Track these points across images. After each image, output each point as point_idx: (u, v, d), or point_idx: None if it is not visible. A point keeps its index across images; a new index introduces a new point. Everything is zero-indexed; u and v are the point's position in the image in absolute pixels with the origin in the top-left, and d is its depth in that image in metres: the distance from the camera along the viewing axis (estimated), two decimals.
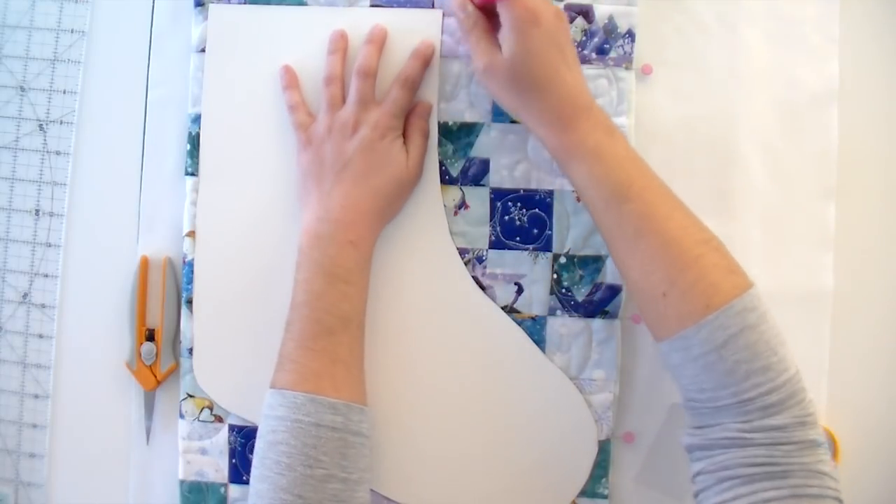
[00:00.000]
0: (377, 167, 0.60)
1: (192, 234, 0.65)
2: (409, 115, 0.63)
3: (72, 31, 0.68)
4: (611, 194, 0.54)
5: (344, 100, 0.62)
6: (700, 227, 0.54)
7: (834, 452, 0.63)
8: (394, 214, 0.63)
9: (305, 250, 0.59)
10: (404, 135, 0.62)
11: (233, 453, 0.66)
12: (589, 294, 0.63)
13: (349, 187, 0.60)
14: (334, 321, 0.57)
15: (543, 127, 0.57)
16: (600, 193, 0.55)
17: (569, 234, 0.63)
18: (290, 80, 0.64)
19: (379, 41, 0.62)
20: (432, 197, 0.64)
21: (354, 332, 0.59)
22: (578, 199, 0.63)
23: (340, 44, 0.63)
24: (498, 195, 0.64)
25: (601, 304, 0.63)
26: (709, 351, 0.50)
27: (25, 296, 0.68)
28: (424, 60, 0.62)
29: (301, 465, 0.52)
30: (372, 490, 0.64)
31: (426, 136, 0.63)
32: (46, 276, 0.68)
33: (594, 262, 0.63)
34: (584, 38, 0.63)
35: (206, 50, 0.65)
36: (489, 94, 0.61)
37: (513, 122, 0.64)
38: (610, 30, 0.63)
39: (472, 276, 0.64)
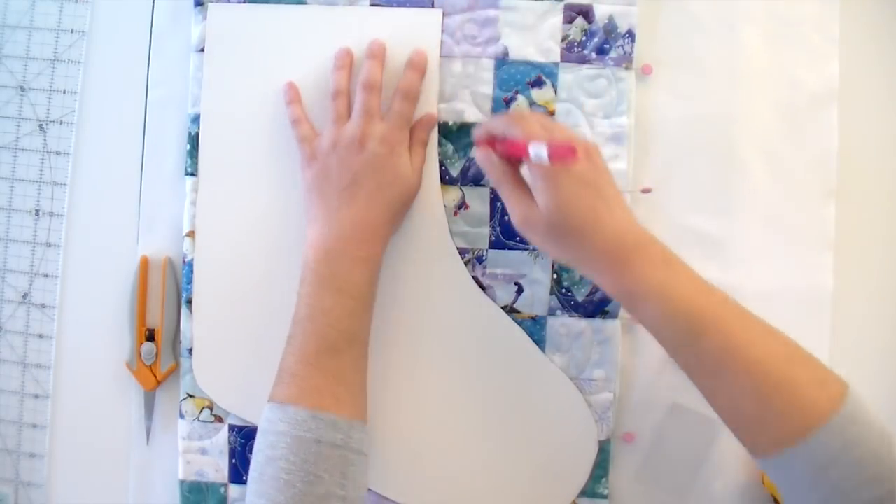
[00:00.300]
0: (387, 182, 0.60)
1: (192, 234, 0.65)
2: (413, 127, 0.63)
3: (72, 31, 0.68)
4: (684, 332, 0.51)
5: (349, 114, 0.62)
6: (782, 342, 0.51)
7: None
8: (399, 226, 0.63)
9: (312, 265, 0.58)
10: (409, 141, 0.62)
11: (233, 453, 0.66)
12: (589, 294, 0.63)
13: (359, 203, 0.59)
14: (339, 337, 0.57)
15: (597, 274, 0.54)
16: (673, 333, 0.52)
17: None
18: (293, 95, 0.64)
19: (381, 55, 0.62)
20: (432, 197, 0.64)
21: (359, 349, 0.58)
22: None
23: (346, 60, 0.63)
24: (498, 195, 0.64)
25: (601, 304, 0.63)
26: (812, 472, 0.47)
27: (25, 296, 0.68)
28: (420, 70, 0.62)
29: (301, 482, 0.51)
30: (372, 490, 0.64)
31: (425, 146, 0.63)
32: (46, 276, 0.68)
33: None
34: (584, 38, 0.63)
35: (206, 49, 0.65)
36: (532, 244, 0.57)
37: None
38: (610, 30, 0.63)
39: (472, 276, 0.64)
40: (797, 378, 0.49)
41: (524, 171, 0.55)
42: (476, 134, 0.59)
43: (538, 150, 0.49)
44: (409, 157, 0.61)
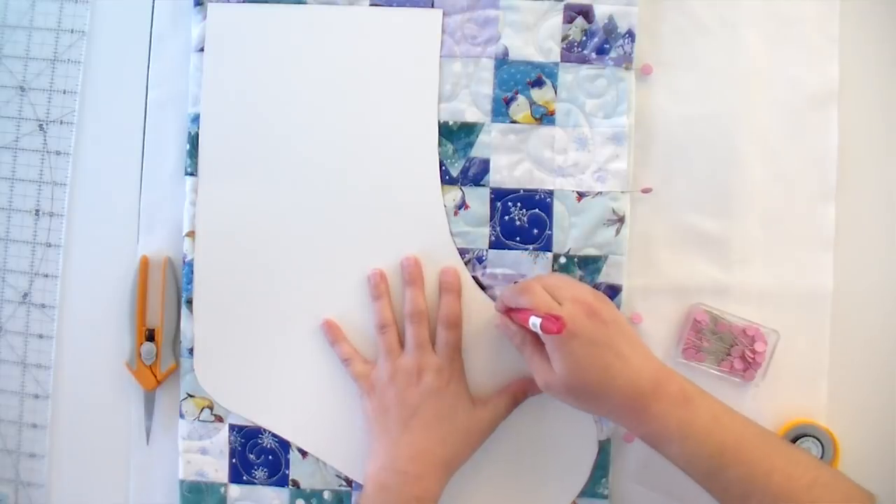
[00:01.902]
0: (445, 415, 0.60)
1: (192, 234, 0.65)
2: (511, 382, 0.63)
3: (72, 31, 0.68)
4: (708, 467, 0.53)
5: (401, 345, 0.62)
6: (805, 466, 0.53)
7: (834, 452, 0.63)
8: (461, 464, 0.61)
9: (370, 498, 0.58)
10: (499, 392, 0.63)
11: (233, 453, 0.66)
12: None
13: (417, 437, 0.59)
14: None
15: (621, 421, 0.56)
16: (698, 468, 0.54)
17: (569, 234, 0.63)
18: (336, 334, 0.64)
19: (419, 281, 0.62)
20: (432, 197, 0.64)
21: None
22: None
23: (383, 287, 0.63)
24: (498, 195, 0.64)
25: None
26: None
27: (25, 296, 0.68)
28: (456, 292, 0.62)
29: None
30: None
31: (513, 398, 0.63)
32: (46, 276, 0.68)
33: (594, 262, 0.63)
34: (584, 38, 0.63)
35: (206, 49, 0.65)
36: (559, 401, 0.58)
37: (513, 122, 0.64)
38: (610, 30, 0.63)
39: (472, 276, 0.64)
40: (821, 502, 0.51)
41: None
42: (496, 304, 0.61)
43: (534, 323, 0.54)
44: (467, 390, 0.62)
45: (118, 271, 0.67)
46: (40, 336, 0.68)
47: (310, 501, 0.65)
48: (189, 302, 0.65)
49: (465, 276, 0.64)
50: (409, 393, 0.60)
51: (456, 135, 0.64)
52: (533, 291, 0.56)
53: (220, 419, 0.65)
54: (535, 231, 0.64)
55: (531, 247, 0.64)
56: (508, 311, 0.59)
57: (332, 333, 0.64)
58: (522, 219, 0.64)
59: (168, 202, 0.66)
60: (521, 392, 0.63)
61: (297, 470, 0.65)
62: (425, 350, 0.61)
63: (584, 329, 0.54)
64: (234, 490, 0.66)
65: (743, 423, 0.55)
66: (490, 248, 0.64)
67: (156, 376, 0.66)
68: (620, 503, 0.65)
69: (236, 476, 0.66)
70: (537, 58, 0.63)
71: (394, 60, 0.64)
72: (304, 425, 0.65)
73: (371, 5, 0.64)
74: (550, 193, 0.64)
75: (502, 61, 0.64)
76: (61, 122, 0.68)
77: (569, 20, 0.63)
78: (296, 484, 0.65)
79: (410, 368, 0.61)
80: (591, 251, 0.63)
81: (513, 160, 0.64)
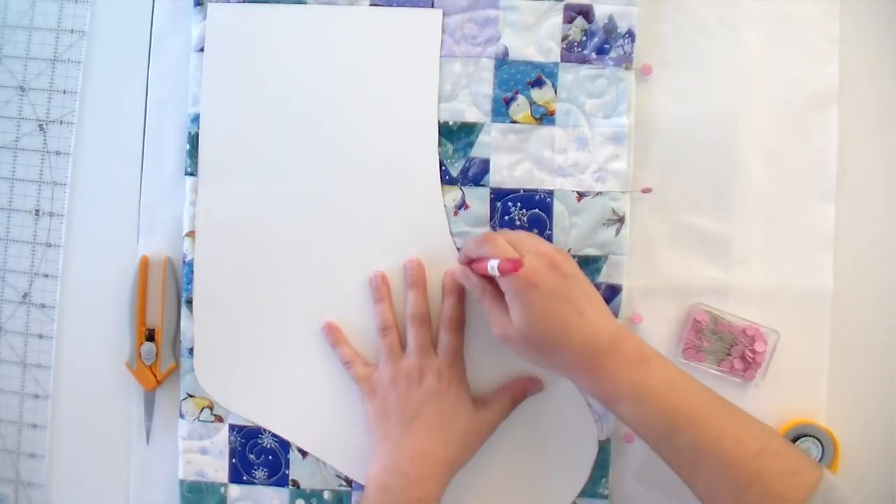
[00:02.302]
0: (446, 417, 0.60)
1: (192, 234, 0.65)
2: (512, 380, 0.63)
3: (72, 31, 0.68)
4: (660, 430, 0.53)
5: (402, 347, 0.62)
6: (756, 435, 0.53)
7: (834, 452, 0.63)
8: (462, 465, 0.61)
9: (372, 499, 0.58)
10: (499, 390, 0.63)
11: (233, 453, 0.66)
12: None
13: (419, 438, 0.59)
14: None
15: (575, 378, 0.57)
16: (649, 430, 0.54)
17: (569, 234, 0.63)
18: (337, 336, 0.64)
19: (421, 283, 0.62)
20: (432, 197, 0.64)
21: None
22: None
23: (384, 290, 0.63)
24: (498, 195, 0.64)
25: None
26: None
27: (25, 296, 0.68)
28: (457, 295, 0.62)
29: None
30: None
31: (511, 399, 0.63)
32: (46, 276, 0.68)
33: (594, 262, 0.63)
34: (584, 38, 0.63)
35: (205, 49, 0.65)
36: (515, 355, 0.58)
37: (513, 122, 0.64)
38: (610, 30, 0.63)
39: None
40: (770, 471, 0.51)
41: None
42: (458, 257, 0.61)
43: (492, 266, 0.54)
44: (468, 393, 0.62)
45: (118, 271, 0.67)
46: (40, 336, 0.68)
47: (310, 501, 0.65)
48: (189, 302, 0.65)
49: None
50: (410, 395, 0.60)
51: (456, 135, 0.64)
52: (495, 242, 0.57)
53: (220, 419, 0.65)
54: (535, 231, 0.64)
55: None
56: (469, 263, 0.59)
57: (333, 336, 0.64)
58: (522, 219, 0.64)
59: (168, 202, 0.66)
60: (520, 392, 0.63)
61: (297, 470, 0.65)
62: (427, 352, 0.61)
63: (544, 280, 0.54)
64: (234, 490, 0.66)
65: (699, 388, 0.55)
66: None
67: (156, 376, 0.66)
68: (620, 503, 0.65)
69: (236, 476, 0.66)
70: (537, 58, 0.63)
71: (394, 60, 0.64)
72: (304, 425, 0.65)
73: (371, 5, 0.64)
74: (550, 193, 0.64)
75: (502, 61, 0.64)
76: (61, 122, 0.68)
77: (569, 20, 0.63)
78: (296, 484, 0.65)
79: (412, 371, 0.61)
80: (591, 251, 0.63)
81: (513, 160, 0.64)
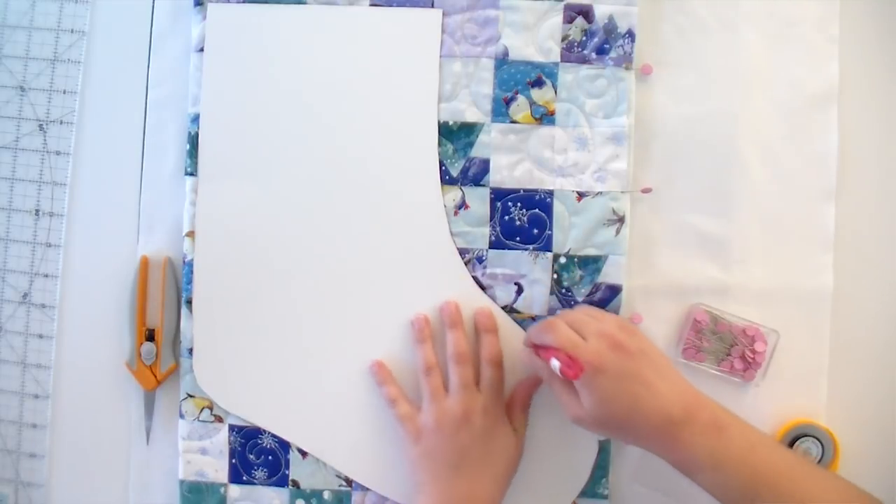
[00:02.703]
0: (494, 455, 0.60)
1: (191, 234, 0.65)
2: (514, 392, 0.63)
3: (72, 31, 0.68)
4: (740, 496, 0.53)
5: (446, 388, 0.62)
6: (840, 494, 0.52)
7: (834, 452, 0.63)
8: (504, 496, 0.61)
9: None
10: (509, 405, 0.63)
11: (233, 453, 0.66)
12: (589, 294, 0.63)
13: (468, 481, 0.59)
14: None
15: (652, 449, 0.56)
16: (729, 497, 0.53)
17: (569, 234, 0.63)
18: (384, 375, 0.64)
19: (460, 323, 0.62)
20: (432, 197, 0.64)
21: None
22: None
23: (427, 331, 0.63)
24: (498, 195, 0.64)
25: (601, 305, 0.63)
26: None
27: (25, 296, 0.68)
28: (494, 330, 0.62)
29: None
30: (372, 490, 0.64)
31: (527, 409, 0.63)
32: (46, 276, 0.68)
33: (594, 262, 0.63)
34: (584, 38, 0.63)
35: (205, 49, 0.65)
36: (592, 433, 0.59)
37: (513, 122, 0.64)
38: (610, 30, 0.63)
39: (472, 276, 0.64)
40: None
41: None
42: (524, 340, 0.61)
43: (554, 366, 0.55)
44: (509, 425, 0.62)
45: (118, 271, 0.67)
46: (40, 336, 0.68)
47: (310, 501, 0.65)
48: (189, 302, 0.65)
49: (466, 276, 0.64)
50: (457, 438, 0.60)
51: (456, 135, 0.64)
52: (556, 329, 0.57)
53: (219, 419, 0.65)
54: (535, 231, 0.64)
55: (531, 247, 0.64)
56: (535, 347, 0.59)
57: (380, 374, 0.64)
58: (522, 219, 0.64)
59: (168, 202, 0.66)
60: (528, 398, 0.63)
61: (297, 470, 0.65)
62: (471, 391, 0.61)
63: (609, 364, 0.54)
64: (234, 490, 0.66)
65: (781, 453, 0.54)
66: (490, 248, 0.64)
67: (156, 376, 0.66)
68: (620, 503, 0.65)
69: (236, 476, 0.66)
70: (537, 58, 0.63)
71: (394, 60, 0.64)
72: (304, 425, 0.65)
73: (371, 5, 0.64)
74: (550, 193, 0.64)
75: (502, 61, 0.64)
76: (61, 122, 0.68)
77: (569, 20, 0.63)
78: (296, 484, 0.65)
79: (457, 412, 0.60)
80: (591, 251, 0.63)
81: (513, 160, 0.64)
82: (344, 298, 0.65)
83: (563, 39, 0.63)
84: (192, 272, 0.65)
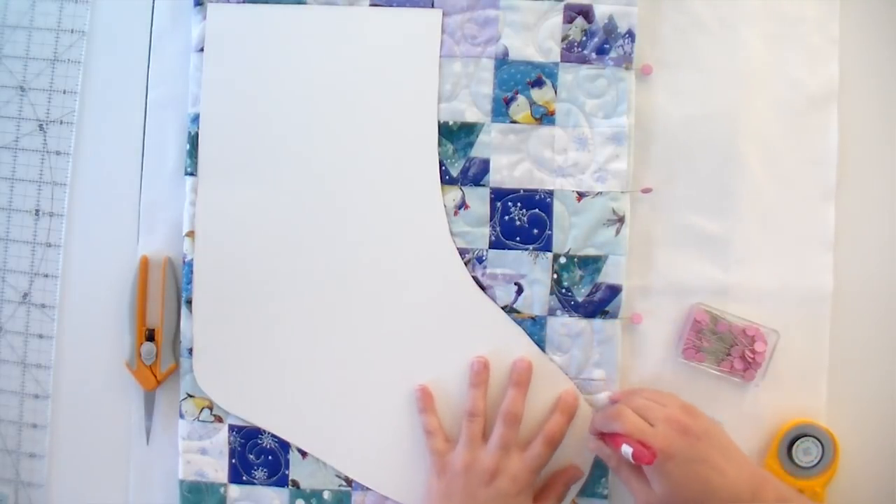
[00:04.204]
0: None
1: (191, 234, 0.65)
2: (553, 476, 0.63)
3: (72, 31, 0.68)
4: None
5: (485, 437, 0.61)
6: None
7: (834, 452, 0.63)
8: None
9: None
10: (545, 489, 0.62)
11: (233, 453, 0.66)
12: (589, 294, 0.63)
13: None
14: None
15: None
16: None
17: (569, 234, 0.63)
18: (427, 403, 0.63)
19: (525, 384, 0.62)
20: (432, 197, 0.64)
21: None
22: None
23: (483, 376, 0.63)
24: (498, 195, 0.64)
25: (601, 304, 0.63)
26: None
27: (25, 296, 0.68)
28: (570, 415, 0.62)
29: None
30: (372, 490, 0.64)
31: (560, 501, 0.63)
32: (46, 276, 0.68)
33: (594, 262, 0.63)
34: (584, 38, 0.63)
35: (205, 49, 0.65)
36: None
37: (513, 122, 0.64)
38: (610, 30, 0.63)
39: (472, 277, 0.64)
40: None
41: None
42: (589, 427, 0.61)
43: (626, 452, 0.54)
44: (531, 498, 0.61)
45: (118, 271, 0.67)
46: (40, 336, 0.68)
47: (310, 501, 0.65)
48: (189, 302, 0.65)
49: (466, 276, 0.64)
50: (478, 490, 0.59)
51: (456, 135, 0.64)
52: (624, 417, 0.57)
53: (219, 419, 0.65)
54: (535, 231, 0.64)
55: (531, 247, 0.64)
56: (602, 435, 0.59)
57: (423, 402, 0.63)
58: (522, 219, 0.64)
59: (168, 202, 0.66)
60: (565, 492, 0.63)
61: (297, 470, 0.65)
62: (509, 453, 0.60)
63: (679, 449, 0.54)
64: (234, 490, 0.66)
65: None
66: (490, 248, 0.64)
67: (156, 376, 0.66)
68: (620, 503, 0.65)
69: (236, 476, 0.66)
70: (537, 58, 0.63)
71: (394, 60, 0.64)
72: (303, 425, 0.65)
73: (371, 5, 0.64)
74: (550, 193, 0.64)
75: (502, 61, 0.64)
76: (61, 122, 0.68)
77: (569, 20, 0.63)
78: (296, 484, 0.65)
79: (488, 466, 0.60)
80: (591, 251, 0.63)
81: (513, 160, 0.64)
82: (343, 298, 0.65)
83: (563, 39, 0.63)
84: (192, 272, 0.65)
